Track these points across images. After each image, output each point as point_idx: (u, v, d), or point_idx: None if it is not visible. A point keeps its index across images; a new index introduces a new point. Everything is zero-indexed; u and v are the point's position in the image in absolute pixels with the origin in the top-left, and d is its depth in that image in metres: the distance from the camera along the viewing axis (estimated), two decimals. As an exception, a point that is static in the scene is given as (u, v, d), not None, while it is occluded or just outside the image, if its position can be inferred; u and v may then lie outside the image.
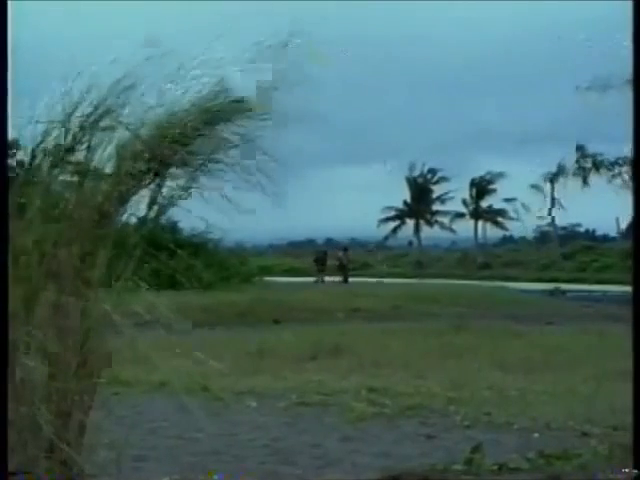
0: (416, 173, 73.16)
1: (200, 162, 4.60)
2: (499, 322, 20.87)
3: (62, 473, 4.30)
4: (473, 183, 71.00)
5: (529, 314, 24.10)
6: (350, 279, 40.90)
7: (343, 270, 41.62)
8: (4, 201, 4.14)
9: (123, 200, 4.56)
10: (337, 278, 40.88)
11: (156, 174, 4.57)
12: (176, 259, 5.65)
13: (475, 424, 8.77)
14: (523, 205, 59.66)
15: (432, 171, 73.26)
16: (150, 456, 7.37)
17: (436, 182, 73.42)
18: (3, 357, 3.97)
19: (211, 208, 4.68)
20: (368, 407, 9.62)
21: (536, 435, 8.16)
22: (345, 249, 44.17)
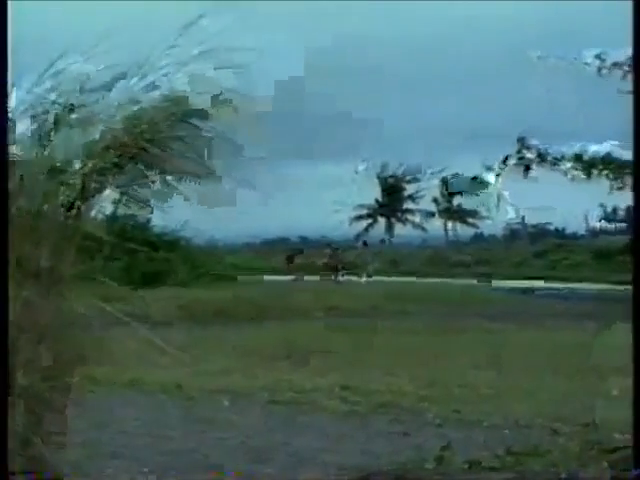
0: (389, 172, 73.32)
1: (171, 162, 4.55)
2: (472, 320, 20.96)
3: (33, 471, 4.28)
4: (444, 181, 71.09)
5: (501, 312, 24.19)
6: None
7: (333, 269, 40.90)
8: (4, 201, 4.10)
9: (91, 195, 4.51)
10: (327, 277, 39.49)
11: (122, 169, 4.52)
12: (144, 256, 5.62)
13: (446, 422, 8.82)
14: (498, 197, 59.69)
15: (404, 170, 73.37)
16: (122, 454, 7.33)
17: (408, 181, 73.59)
18: (3, 357, 3.93)
19: (184, 206, 4.66)
20: (341, 405, 9.65)
21: (506, 432, 8.21)
22: (336, 249, 43.38)
